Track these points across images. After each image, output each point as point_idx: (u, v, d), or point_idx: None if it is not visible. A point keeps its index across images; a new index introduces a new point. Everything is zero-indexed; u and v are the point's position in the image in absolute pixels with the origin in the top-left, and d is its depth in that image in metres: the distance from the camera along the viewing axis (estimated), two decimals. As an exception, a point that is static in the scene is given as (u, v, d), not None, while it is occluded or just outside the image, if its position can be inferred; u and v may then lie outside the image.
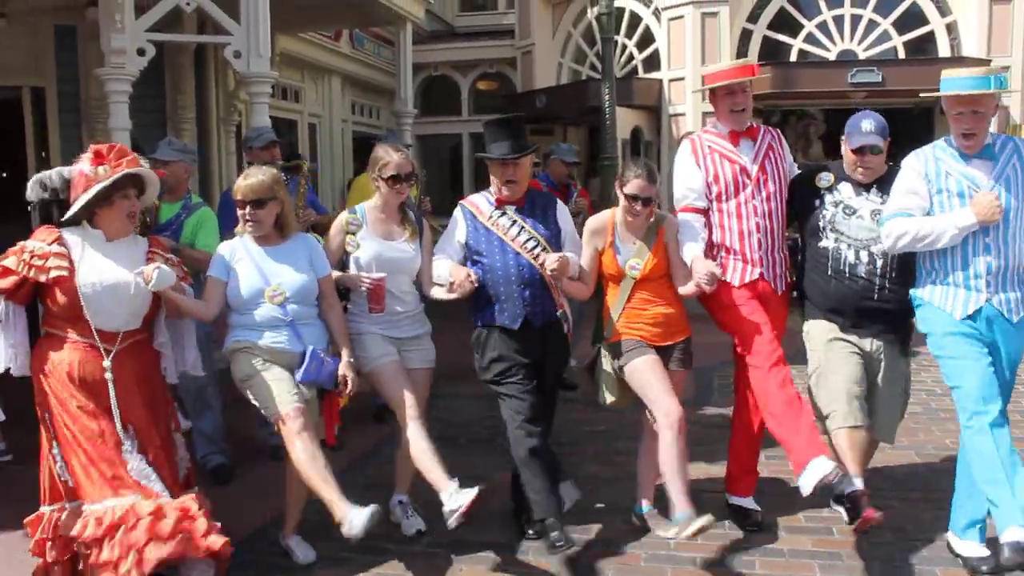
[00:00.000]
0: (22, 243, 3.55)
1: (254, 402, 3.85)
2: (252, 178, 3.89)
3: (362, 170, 6.40)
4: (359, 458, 5.47)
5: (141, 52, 6.51)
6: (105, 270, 3.56)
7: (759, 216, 4.15)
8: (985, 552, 3.83)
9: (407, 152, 4.25)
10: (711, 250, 4.18)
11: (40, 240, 3.55)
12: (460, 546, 4.16)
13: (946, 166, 3.74)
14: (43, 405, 3.58)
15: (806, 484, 3.67)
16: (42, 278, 3.48)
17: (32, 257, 3.48)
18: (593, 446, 5.61)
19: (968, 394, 3.61)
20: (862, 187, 4.04)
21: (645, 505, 4.29)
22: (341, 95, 13.80)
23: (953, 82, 3.68)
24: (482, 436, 5.84)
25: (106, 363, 3.55)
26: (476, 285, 3.99)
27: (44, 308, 3.62)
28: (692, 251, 4.05)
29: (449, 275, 4.05)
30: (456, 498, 3.64)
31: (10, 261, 3.51)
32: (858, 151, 3.96)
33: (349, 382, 3.95)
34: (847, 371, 3.93)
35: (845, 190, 4.07)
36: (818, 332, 4.10)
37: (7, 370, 3.57)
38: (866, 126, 3.95)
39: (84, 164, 3.56)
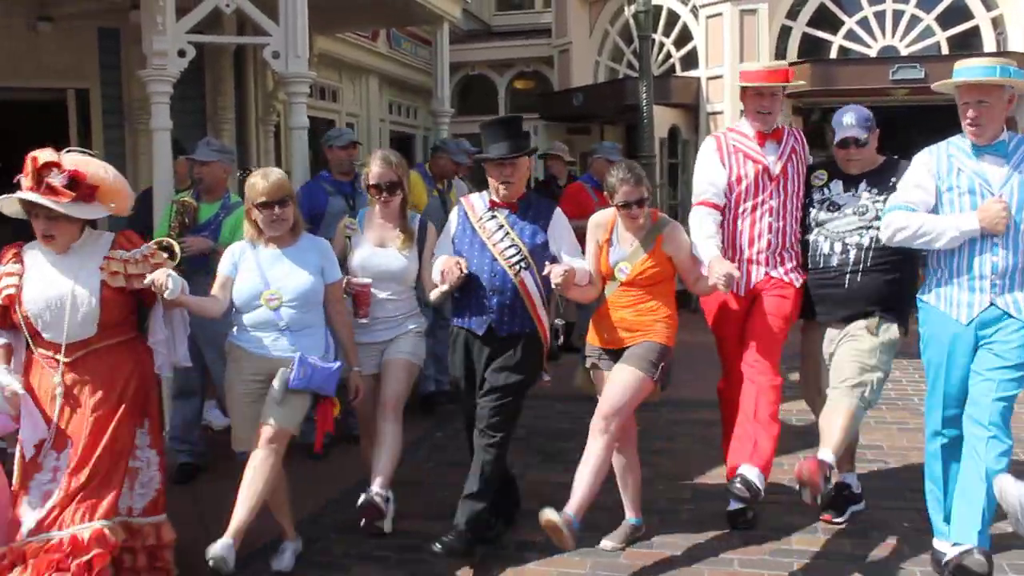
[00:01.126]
0: None
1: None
2: (272, 177, 3.86)
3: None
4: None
5: (182, 54, 6.58)
6: (49, 281, 3.48)
7: (773, 216, 4.16)
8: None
9: (395, 162, 4.20)
10: (723, 249, 4.17)
11: (3, 263, 3.56)
12: (493, 544, 4.17)
13: (958, 162, 3.68)
14: None
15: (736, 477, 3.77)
16: None
17: None
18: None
19: (936, 413, 3.75)
20: (853, 182, 4.10)
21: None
22: (379, 95, 13.87)
23: (961, 71, 3.64)
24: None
25: (56, 378, 3.48)
26: (465, 272, 3.94)
27: None
28: (709, 252, 4.02)
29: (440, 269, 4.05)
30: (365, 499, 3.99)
31: None
32: (841, 144, 4.07)
33: (360, 392, 4.01)
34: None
35: (836, 187, 4.16)
36: (811, 338, 4.26)
37: None
38: (847, 120, 4.06)
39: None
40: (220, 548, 3.51)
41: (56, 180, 3.35)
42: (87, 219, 3.53)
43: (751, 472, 3.75)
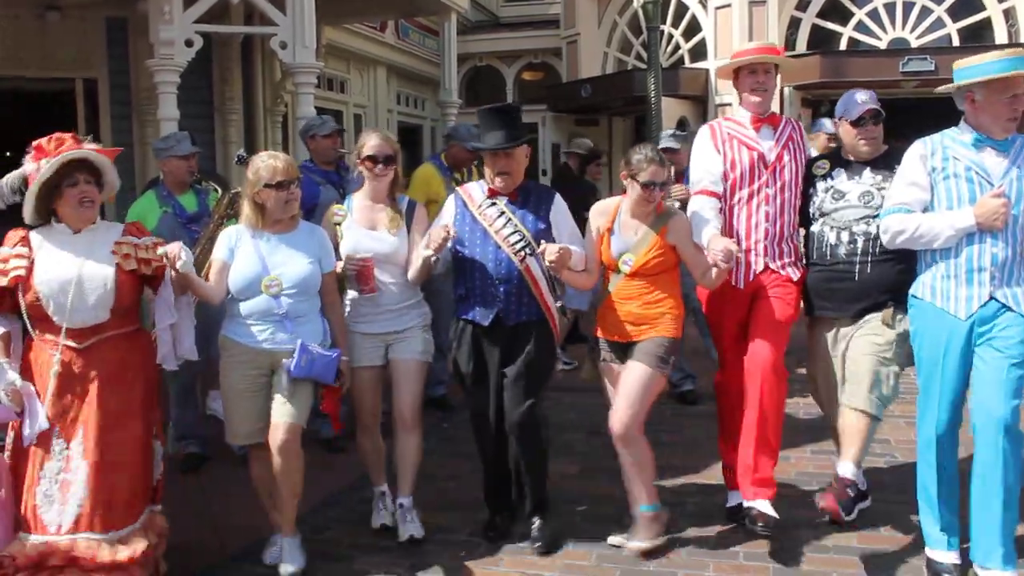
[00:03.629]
0: None
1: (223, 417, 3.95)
2: (281, 159, 3.83)
3: (411, 162, 6.25)
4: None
5: (189, 43, 6.59)
6: (60, 264, 3.44)
7: (770, 205, 4.07)
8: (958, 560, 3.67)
9: (391, 139, 4.17)
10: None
11: (6, 245, 3.49)
12: (504, 536, 4.17)
13: (953, 152, 3.60)
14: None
15: (751, 511, 3.86)
16: (3, 281, 3.40)
17: None
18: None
19: (930, 416, 3.64)
20: (858, 170, 4.02)
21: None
22: (386, 85, 13.85)
23: (998, 65, 3.50)
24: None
25: (55, 358, 3.41)
26: (452, 234, 3.88)
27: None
28: (708, 232, 3.95)
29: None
30: (404, 527, 4.08)
31: None
32: (859, 122, 3.97)
33: (346, 380, 3.92)
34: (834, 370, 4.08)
35: (839, 175, 4.07)
36: (817, 332, 4.17)
37: None
38: (861, 97, 3.99)
39: (28, 163, 3.45)
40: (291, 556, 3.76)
41: (75, 145, 3.44)
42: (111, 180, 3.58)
43: (764, 506, 3.83)
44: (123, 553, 3.35)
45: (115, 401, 3.48)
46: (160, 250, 3.54)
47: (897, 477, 4.65)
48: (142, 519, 3.50)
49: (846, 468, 3.75)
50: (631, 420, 3.90)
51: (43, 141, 3.45)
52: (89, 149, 3.48)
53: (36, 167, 3.40)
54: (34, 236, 3.52)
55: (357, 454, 4.38)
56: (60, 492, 3.37)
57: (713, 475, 4.82)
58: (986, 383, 3.50)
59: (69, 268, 3.42)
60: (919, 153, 3.69)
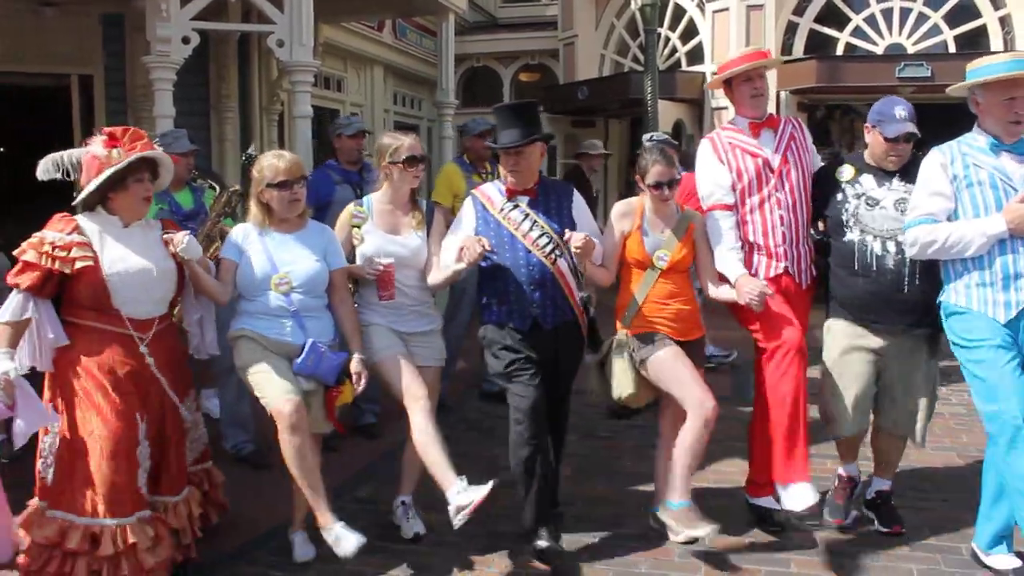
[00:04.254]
0: (39, 234, 3.40)
1: (255, 392, 3.77)
2: (286, 159, 3.83)
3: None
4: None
5: (186, 40, 6.57)
6: (128, 257, 3.47)
7: (783, 209, 4.06)
8: (1018, 563, 3.70)
9: (418, 137, 4.16)
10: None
11: (58, 230, 3.40)
12: (497, 537, 4.17)
13: (973, 159, 3.58)
14: (59, 398, 3.45)
15: (791, 505, 3.86)
16: (67, 270, 3.35)
17: (54, 249, 3.34)
18: (631, 440, 5.57)
19: (1010, 412, 3.40)
20: (884, 177, 3.94)
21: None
22: (383, 85, 13.84)
23: (1001, 66, 3.51)
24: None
25: (143, 349, 3.54)
26: (487, 250, 3.81)
27: (65, 299, 3.47)
28: (735, 269, 3.95)
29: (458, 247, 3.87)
30: (465, 495, 3.56)
31: (30, 255, 3.35)
32: (893, 140, 3.86)
33: (362, 379, 3.85)
34: (859, 386, 3.99)
35: (867, 182, 3.97)
36: (839, 334, 4.06)
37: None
38: (900, 113, 3.86)
39: (96, 146, 3.44)
40: (349, 542, 3.65)
41: (136, 141, 3.53)
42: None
43: (812, 495, 3.84)
44: (178, 516, 3.70)
45: (178, 385, 3.72)
46: (165, 236, 3.63)
47: (925, 483, 4.66)
48: (186, 491, 3.79)
49: (882, 484, 4.21)
50: (710, 395, 3.88)
51: (117, 130, 3.52)
52: (156, 150, 3.61)
53: (107, 153, 3.42)
54: (85, 224, 3.48)
55: (352, 453, 4.36)
56: (145, 472, 3.58)
57: (706, 478, 4.83)
58: None
59: (140, 262, 3.51)
60: (939, 162, 3.65)
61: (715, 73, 4.25)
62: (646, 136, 6.73)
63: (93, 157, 3.43)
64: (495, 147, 4.03)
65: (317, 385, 3.81)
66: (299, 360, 3.72)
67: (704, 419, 3.79)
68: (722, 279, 4.05)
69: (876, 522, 4.20)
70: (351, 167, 5.84)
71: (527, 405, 3.87)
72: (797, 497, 3.83)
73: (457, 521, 3.57)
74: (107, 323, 3.48)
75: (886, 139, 3.87)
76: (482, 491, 3.54)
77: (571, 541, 4.12)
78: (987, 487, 3.76)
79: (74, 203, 3.52)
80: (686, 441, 3.83)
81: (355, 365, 3.85)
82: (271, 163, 3.82)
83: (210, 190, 5.19)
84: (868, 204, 3.94)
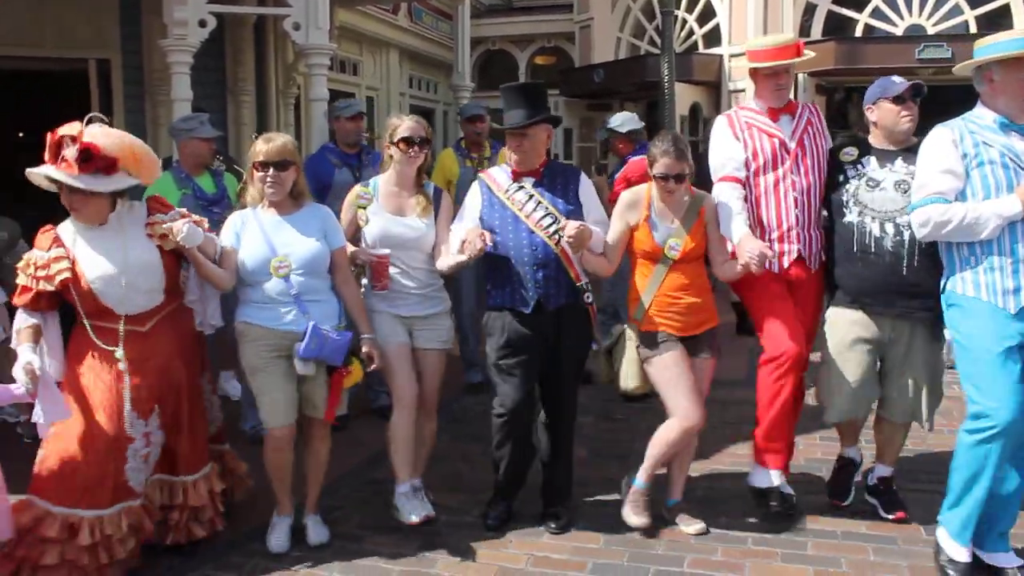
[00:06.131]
0: (26, 256, 3.56)
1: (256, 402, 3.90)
2: (276, 141, 3.81)
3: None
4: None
5: (202, 24, 6.58)
6: (102, 261, 3.52)
7: (797, 191, 4.03)
8: (1020, 561, 3.60)
9: (424, 121, 4.12)
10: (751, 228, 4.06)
11: (41, 248, 3.54)
12: (512, 518, 4.20)
13: (982, 138, 3.46)
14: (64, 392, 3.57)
15: (753, 482, 4.18)
16: (51, 287, 3.47)
17: (36, 269, 3.48)
18: (645, 422, 5.55)
19: (999, 416, 3.36)
20: (889, 157, 3.91)
21: (671, 499, 4.22)
22: (399, 68, 13.84)
23: (1011, 43, 3.42)
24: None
25: (118, 353, 3.54)
26: (489, 244, 3.79)
27: (72, 306, 3.61)
28: (739, 229, 3.90)
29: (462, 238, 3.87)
30: (405, 509, 3.94)
31: (21, 279, 3.53)
32: (901, 99, 3.85)
33: (374, 359, 3.87)
34: (855, 375, 3.99)
35: (869, 163, 3.95)
36: (839, 323, 4.04)
37: None
38: (897, 79, 3.92)
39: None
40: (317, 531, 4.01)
41: (69, 153, 3.37)
42: (113, 191, 3.53)
43: (775, 478, 4.13)
44: (198, 494, 3.80)
45: (184, 372, 3.74)
46: (166, 226, 3.60)
47: (906, 466, 4.64)
48: (206, 469, 3.87)
49: (884, 470, 4.23)
50: (702, 405, 3.97)
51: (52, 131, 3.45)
52: (64, 158, 3.40)
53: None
54: (64, 232, 3.58)
55: (363, 434, 4.39)
56: (144, 464, 3.65)
57: (721, 461, 4.84)
58: None
59: (115, 260, 3.52)
60: (949, 139, 3.51)
61: (742, 54, 4.22)
62: (614, 118, 6.67)
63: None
64: (500, 127, 4.02)
65: (318, 369, 3.80)
66: (302, 345, 3.69)
67: (684, 429, 3.93)
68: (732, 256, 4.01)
69: (879, 509, 4.19)
70: (350, 150, 5.80)
71: (509, 407, 3.99)
72: (759, 477, 4.16)
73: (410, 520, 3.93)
74: (108, 321, 3.56)
75: (894, 100, 3.86)
76: (411, 518, 3.92)
77: (587, 523, 4.15)
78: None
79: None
80: (663, 435, 3.99)
81: (366, 346, 3.88)
82: (258, 144, 3.84)
83: (229, 174, 5.20)
84: (869, 185, 3.91)
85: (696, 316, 3.98)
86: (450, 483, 4.63)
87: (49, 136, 3.44)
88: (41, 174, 3.46)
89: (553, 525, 4.09)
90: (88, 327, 3.56)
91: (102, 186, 3.46)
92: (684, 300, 3.95)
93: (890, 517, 4.12)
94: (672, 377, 3.94)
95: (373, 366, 3.89)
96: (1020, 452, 3.51)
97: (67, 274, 3.47)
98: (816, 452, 4.96)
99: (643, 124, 6.74)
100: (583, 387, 6.10)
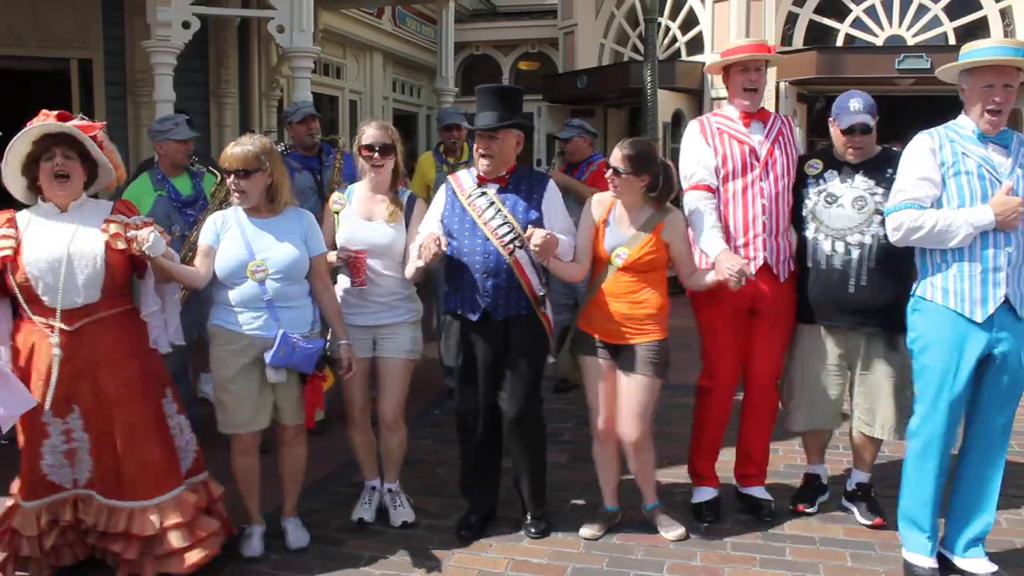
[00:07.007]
0: None
1: (216, 408, 3.85)
2: (239, 147, 3.72)
3: (411, 150, 6.23)
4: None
5: (186, 25, 6.57)
6: (51, 242, 3.41)
7: (765, 199, 4.03)
8: (994, 567, 3.62)
9: (390, 129, 4.08)
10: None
11: None
12: (494, 521, 4.20)
13: (961, 147, 3.48)
14: None
15: (696, 498, 4.34)
16: None
17: None
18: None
19: (932, 422, 3.54)
20: (850, 172, 3.96)
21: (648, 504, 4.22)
22: (382, 72, 13.82)
23: (981, 51, 3.45)
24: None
25: (53, 340, 3.39)
26: (443, 250, 3.73)
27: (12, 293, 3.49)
28: (716, 245, 3.89)
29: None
30: (359, 506, 4.19)
31: None
32: (848, 131, 3.91)
33: (352, 364, 3.86)
34: (817, 385, 4.12)
35: (831, 177, 4.00)
36: (803, 335, 4.16)
37: None
38: (854, 105, 3.92)
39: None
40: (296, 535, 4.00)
41: (80, 121, 3.44)
42: (93, 158, 3.53)
43: (763, 492, 4.35)
44: (168, 518, 3.55)
45: (112, 382, 3.51)
46: (131, 233, 3.47)
47: (882, 472, 4.68)
48: (177, 491, 3.63)
49: (862, 477, 4.29)
50: (644, 430, 3.97)
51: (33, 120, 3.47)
52: (72, 125, 3.45)
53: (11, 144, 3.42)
54: (21, 216, 3.51)
55: (341, 439, 4.38)
56: (67, 459, 3.54)
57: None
58: (992, 405, 3.55)
59: (57, 247, 3.40)
60: (928, 146, 3.53)
61: (720, 55, 4.24)
62: (572, 123, 6.69)
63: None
64: (470, 128, 4.01)
65: (289, 376, 3.76)
66: (271, 353, 3.65)
67: (597, 440, 4.13)
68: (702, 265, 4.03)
69: (857, 514, 4.23)
70: (308, 153, 5.78)
71: (461, 409, 4.11)
72: (698, 494, 4.35)
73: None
74: (41, 315, 3.44)
75: (841, 131, 3.93)
76: (353, 516, 4.19)
77: (567, 528, 4.16)
78: (957, 494, 3.71)
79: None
80: (594, 451, 4.20)
81: (343, 351, 3.86)
82: (227, 148, 3.80)
83: (209, 175, 5.18)
84: (827, 201, 3.97)
85: (625, 326, 3.88)
86: (430, 487, 4.63)
87: (46, 111, 3.46)
88: (53, 130, 3.42)
89: (533, 530, 4.10)
90: (29, 317, 3.45)
91: (82, 137, 3.45)
92: (613, 305, 3.88)
93: (868, 523, 4.16)
94: (591, 382, 4.05)
95: (349, 374, 3.89)
96: (988, 453, 3.58)
97: (8, 252, 3.38)
98: (795, 458, 4.98)
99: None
100: (561, 395, 6.21)
